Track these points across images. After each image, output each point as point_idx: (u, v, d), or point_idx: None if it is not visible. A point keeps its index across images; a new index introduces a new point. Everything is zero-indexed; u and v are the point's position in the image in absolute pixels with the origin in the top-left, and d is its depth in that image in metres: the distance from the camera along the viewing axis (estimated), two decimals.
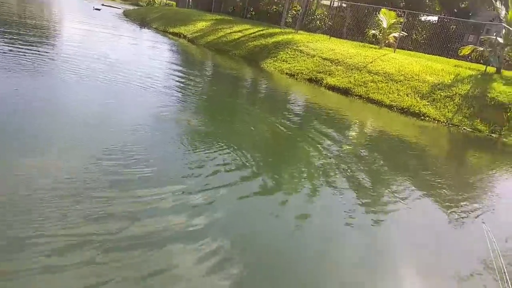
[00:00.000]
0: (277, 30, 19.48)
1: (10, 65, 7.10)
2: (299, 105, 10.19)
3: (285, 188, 4.35)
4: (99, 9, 27.83)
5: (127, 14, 30.73)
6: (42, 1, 27.16)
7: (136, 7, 40.78)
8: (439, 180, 5.63)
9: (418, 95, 11.25)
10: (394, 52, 15.88)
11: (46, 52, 9.27)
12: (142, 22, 26.21)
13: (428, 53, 19.70)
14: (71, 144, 4.31)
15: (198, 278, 2.62)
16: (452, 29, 25.13)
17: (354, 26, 22.56)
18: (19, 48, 8.95)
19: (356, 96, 11.89)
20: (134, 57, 12.06)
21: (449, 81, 11.70)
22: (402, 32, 17.15)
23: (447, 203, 4.89)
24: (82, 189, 3.33)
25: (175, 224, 3.13)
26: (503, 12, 12.94)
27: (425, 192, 5.10)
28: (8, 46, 8.90)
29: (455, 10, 29.70)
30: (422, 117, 10.35)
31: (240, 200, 3.81)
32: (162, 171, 4.01)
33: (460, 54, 15.12)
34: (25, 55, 8.22)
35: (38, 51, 9.15)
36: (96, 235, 2.78)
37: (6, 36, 10.35)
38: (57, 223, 2.82)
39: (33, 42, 10.29)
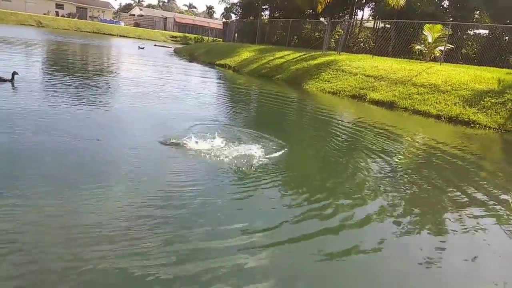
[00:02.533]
0: (319, 53, 19.76)
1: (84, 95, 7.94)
2: (346, 121, 10.18)
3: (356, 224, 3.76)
4: (143, 48, 29.71)
5: (177, 52, 32.68)
6: (101, 45, 29.71)
7: (185, 45, 43.17)
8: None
9: (466, 104, 10.86)
10: (441, 65, 15.47)
11: (117, 88, 10.22)
12: (191, 57, 27.71)
13: (480, 66, 18.95)
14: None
15: None
16: (505, 40, 24.05)
17: (400, 44, 22.29)
18: (91, 81, 9.94)
19: (401, 108, 11.70)
20: (186, 86, 12.71)
21: (500, 88, 11.20)
22: (448, 45, 16.73)
23: None
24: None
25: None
26: None
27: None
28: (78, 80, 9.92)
29: (508, 21, 28.44)
30: (472, 125, 9.96)
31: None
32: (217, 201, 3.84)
33: None
34: (96, 88, 9.13)
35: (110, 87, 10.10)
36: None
37: (76, 74, 11.50)
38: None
39: (101, 79, 11.35)
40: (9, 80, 8.41)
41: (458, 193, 4.83)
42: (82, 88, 8.83)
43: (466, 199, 4.67)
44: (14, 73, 8.41)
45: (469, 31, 26.07)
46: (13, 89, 7.87)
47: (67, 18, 54.47)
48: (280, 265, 2.92)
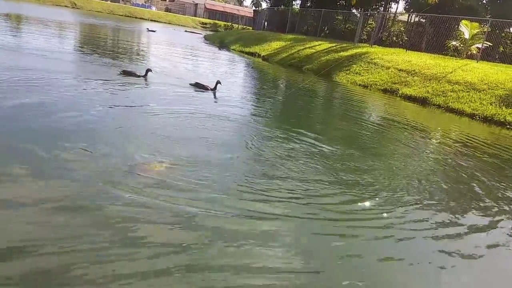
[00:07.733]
0: (351, 45, 19.49)
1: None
2: (377, 115, 10.09)
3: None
4: (154, 31, 29.41)
5: (207, 38, 32.86)
6: (132, 29, 30.18)
7: (215, 32, 43.28)
8: None
9: (503, 104, 10.54)
10: (477, 62, 15.01)
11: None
12: (221, 44, 27.80)
13: None
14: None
15: None
16: None
17: (434, 39, 21.69)
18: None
19: (434, 105, 11.47)
20: (218, 71, 12.84)
21: None
22: (486, 42, 16.20)
23: None
24: None
25: None
26: None
27: None
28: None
29: None
30: (508, 126, 9.66)
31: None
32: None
33: None
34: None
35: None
36: None
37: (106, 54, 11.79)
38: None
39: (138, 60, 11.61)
40: (211, 90, 8.26)
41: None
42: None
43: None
44: (217, 82, 8.30)
45: (508, 29, 25.05)
46: (215, 99, 8.00)
47: (100, 1, 55.38)
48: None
